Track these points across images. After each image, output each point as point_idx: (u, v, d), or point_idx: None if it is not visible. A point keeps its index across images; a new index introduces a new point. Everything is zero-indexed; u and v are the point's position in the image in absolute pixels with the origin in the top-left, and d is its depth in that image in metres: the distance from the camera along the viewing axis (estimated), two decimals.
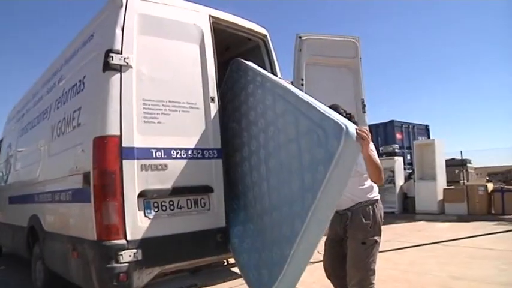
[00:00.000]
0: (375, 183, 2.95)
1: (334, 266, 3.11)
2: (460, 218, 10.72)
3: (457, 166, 14.06)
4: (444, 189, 11.64)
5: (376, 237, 2.94)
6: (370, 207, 2.96)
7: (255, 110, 3.40)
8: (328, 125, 2.53)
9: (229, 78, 3.92)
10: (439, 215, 11.18)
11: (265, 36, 4.35)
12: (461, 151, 15.19)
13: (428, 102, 47.70)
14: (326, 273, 3.23)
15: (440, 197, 11.56)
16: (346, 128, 2.42)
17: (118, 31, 3.13)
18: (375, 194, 3.02)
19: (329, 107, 2.75)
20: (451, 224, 10.24)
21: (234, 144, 3.62)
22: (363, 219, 2.92)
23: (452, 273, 5.15)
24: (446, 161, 12.87)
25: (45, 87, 4.84)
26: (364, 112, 5.09)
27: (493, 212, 10.99)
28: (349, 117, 2.86)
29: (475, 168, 18.20)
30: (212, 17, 3.75)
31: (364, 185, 2.97)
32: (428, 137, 15.28)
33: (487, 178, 15.81)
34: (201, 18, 3.66)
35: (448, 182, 12.47)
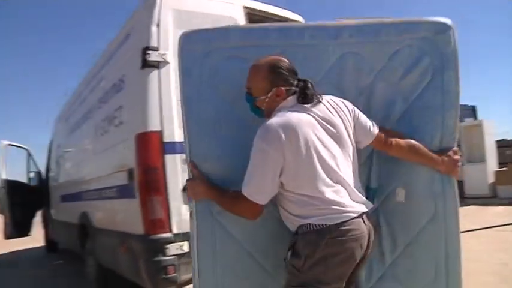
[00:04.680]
0: None
1: None
2: None
3: (508, 147, 13.44)
4: (495, 172, 11.14)
5: None
6: None
7: None
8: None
9: None
10: (491, 198, 10.70)
11: None
12: None
13: (474, 82, 45.62)
14: None
15: (491, 179, 11.07)
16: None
17: (154, 28, 3.16)
18: None
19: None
20: (504, 207, 9.78)
21: None
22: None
23: (504, 260, 4.93)
24: (496, 142, 12.32)
25: (87, 88, 4.98)
26: None
27: None
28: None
29: None
30: (246, 7, 3.71)
31: None
32: (475, 118, 14.63)
33: None
34: (235, 9, 3.63)
35: (500, 164, 11.93)
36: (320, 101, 1.76)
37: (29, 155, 8.36)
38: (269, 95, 1.77)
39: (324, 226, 1.60)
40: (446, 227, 2.05)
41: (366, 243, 1.68)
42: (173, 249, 2.98)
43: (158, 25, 3.18)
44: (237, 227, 1.90)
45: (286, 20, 4.09)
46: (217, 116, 1.98)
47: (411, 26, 2.12)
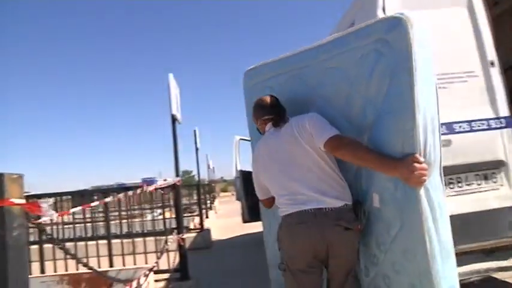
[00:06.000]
0: None
1: None
2: None
3: None
4: None
5: None
6: None
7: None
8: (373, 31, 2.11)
9: None
10: None
11: None
12: None
13: None
14: None
15: None
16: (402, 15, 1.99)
17: (380, 12, 3.14)
18: None
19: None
20: None
21: None
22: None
23: None
24: None
25: None
26: None
27: None
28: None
29: None
30: None
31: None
32: None
33: None
34: None
35: None
36: (286, 122, 2.35)
37: None
38: (258, 123, 2.54)
39: (282, 217, 2.27)
40: (413, 241, 1.93)
41: (321, 235, 2.09)
42: None
43: (384, 9, 3.14)
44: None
45: None
46: (260, 136, 2.56)
47: (368, 29, 2.09)
